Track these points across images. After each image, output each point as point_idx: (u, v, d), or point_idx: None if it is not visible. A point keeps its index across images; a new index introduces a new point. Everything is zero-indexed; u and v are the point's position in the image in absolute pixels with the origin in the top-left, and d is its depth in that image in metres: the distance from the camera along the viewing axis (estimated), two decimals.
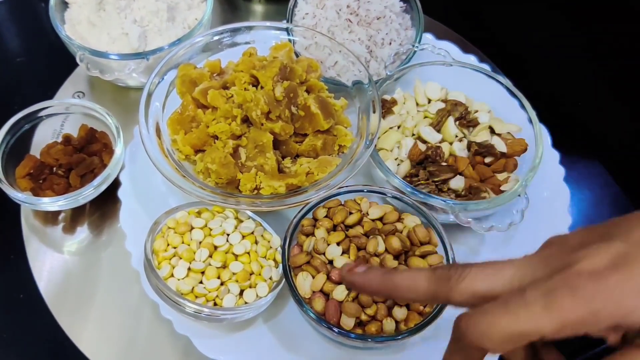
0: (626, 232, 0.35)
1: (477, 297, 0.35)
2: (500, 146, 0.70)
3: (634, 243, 0.34)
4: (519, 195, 0.65)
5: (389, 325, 0.56)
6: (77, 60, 0.73)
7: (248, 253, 0.61)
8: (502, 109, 0.74)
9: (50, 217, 0.72)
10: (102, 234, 0.71)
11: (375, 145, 0.65)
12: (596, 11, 0.94)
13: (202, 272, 0.59)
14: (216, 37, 0.73)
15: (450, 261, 0.60)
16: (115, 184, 0.70)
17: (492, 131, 0.72)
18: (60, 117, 0.75)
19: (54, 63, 0.87)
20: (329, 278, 0.58)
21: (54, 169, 0.71)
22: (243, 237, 0.62)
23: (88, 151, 0.72)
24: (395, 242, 0.60)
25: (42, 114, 0.73)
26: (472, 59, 0.84)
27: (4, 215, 0.72)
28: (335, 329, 0.55)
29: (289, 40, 0.74)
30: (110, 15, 0.77)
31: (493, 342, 0.34)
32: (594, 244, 0.34)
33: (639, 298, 0.32)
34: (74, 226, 0.72)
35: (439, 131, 0.71)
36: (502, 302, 0.34)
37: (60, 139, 0.74)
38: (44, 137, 0.74)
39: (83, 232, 0.71)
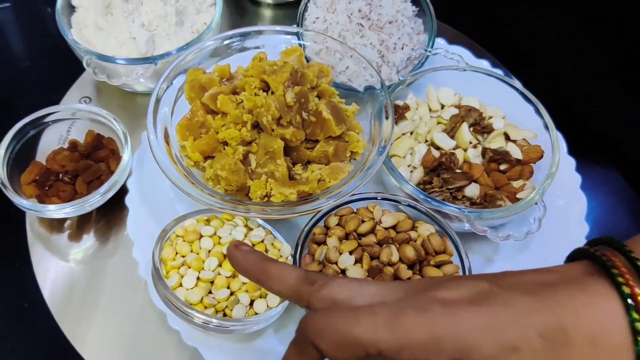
0: (498, 277, 0.35)
1: (336, 306, 0.36)
2: (516, 153, 0.68)
3: (500, 285, 0.34)
4: (536, 203, 0.63)
5: None
6: (84, 65, 0.72)
7: None
8: (516, 115, 0.72)
9: (55, 224, 0.71)
10: (109, 242, 0.70)
11: (388, 152, 0.64)
12: (613, 15, 0.93)
13: (212, 282, 0.58)
14: (225, 42, 0.72)
15: (467, 271, 0.59)
16: (123, 190, 0.69)
17: (507, 137, 0.70)
18: (67, 123, 0.73)
19: (60, 67, 0.86)
20: None
21: (60, 175, 0.70)
22: (253, 245, 0.61)
23: (95, 157, 0.71)
24: (409, 252, 0.58)
25: (48, 119, 0.72)
26: (485, 63, 0.83)
27: (9, 222, 0.71)
28: None
29: (300, 45, 0.73)
30: (117, 19, 0.75)
31: (328, 342, 0.33)
32: (462, 280, 0.35)
33: (486, 337, 0.32)
34: (80, 234, 0.70)
35: (452, 137, 0.70)
36: (350, 308, 0.34)
37: (66, 145, 0.72)
38: (50, 143, 0.73)
39: (89, 239, 0.70)
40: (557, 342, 0.32)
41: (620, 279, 0.33)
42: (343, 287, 0.36)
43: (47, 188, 0.69)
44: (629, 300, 0.32)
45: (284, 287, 0.39)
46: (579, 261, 0.37)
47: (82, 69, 0.74)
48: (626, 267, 0.34)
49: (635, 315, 0.32)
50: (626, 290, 0.32)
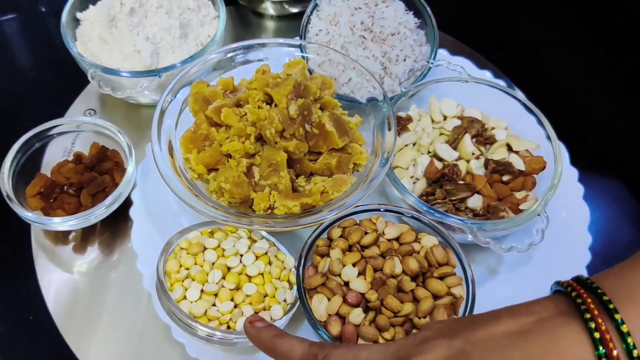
0: (471, 331, 0.39)
1: None
2: (519, 164, 0.68)
3: (473, 343, 0.38)
4: (539, 215, 0.63)
5: None
6: (89, 77, 0.72)
7: (262, 274, 0.60)
8: (519, 126, 0.73)
9: (60, 237, 0.71)
10: (113, 254, 0.70)
11: (391, 163, 0.64)
12: (616, 26, 0.93)
13: (215, 294, 0.58)
14: (229, 55, 0.72)
15: (470, 283, 0.59)
16: (127, 203, 0.69)
17: (510, 148, 0.71)
18: (71, 135, 0.74)
19: (65, 79, 0.87)
20: (345, 301, 0.57)
21: (65, 187, 0.70)
22: (257, 257, 0.61)
23: (99, 170, 0.71)
24: (412, 264, 0.58)
25: (53, 132, 0.72)
26: (487, 74, 0.83)
27: (14, 234, 0.71)
28: None
29: (303, 57, 0.73)
30: (122, 32, 0.76)
31: None
32: (438, 339, 0.39)
33: None
34: (84, 246, 0.71)
35: (455, 149, 0.70)
36: None
37: (71, 158, 0.73)
38: (55, 155, 0.73)
39: (94, 251, 0.70)
40: None
41: (592, 324, 0.36)
42: (340, 358, 0.42)
43: (52, 200, 0.69)
44: (600, 348, 0.35)
45: None
46: (555, 296, 0.40)
47: (87, 81, 0.74)
48: (596, 306, 0.36)
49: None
50: (596, 335, 0.35)
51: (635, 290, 0.37)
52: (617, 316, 0.35)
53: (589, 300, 0.37)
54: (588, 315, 0.36)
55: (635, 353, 0.34)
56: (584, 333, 0.36)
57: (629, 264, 0.40)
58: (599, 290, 0.37)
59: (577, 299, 0.37)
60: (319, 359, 0.42)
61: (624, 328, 0.35)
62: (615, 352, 0.34)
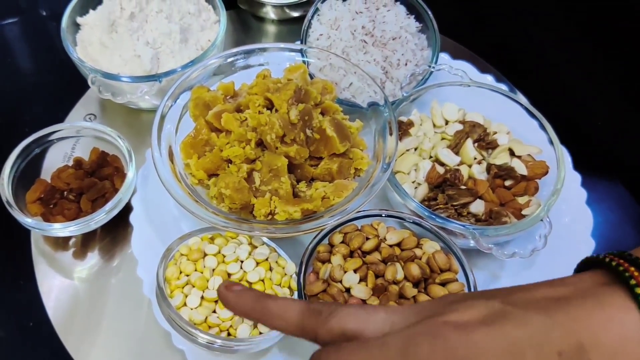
0: (507, 294, 0.34)
1: (346, 337, 0.34)
2: (521, 169, 0.68)
3: (513, 303, 0.33)
4: (541, 220, 0.63)
5: None
6: (89, 82, 0.72)
7: (262, 280, 0.60)
8: (521, 130, 0.72)
9: (60, 242, 0.71)
10: (114, 260, 0.70)
11: (392, 168, 0.64)
12: (617, 29, 0.93)
13: (216, 301, 0.57)
14: (230, 59, 0.72)
15: (472, 289, 0.58)
16: (127, 208, 0.69)
17: (512, 153, 0.70)
18: (71, 141, 0.74)
19: (65, 84, 0.87)
20: None
21: (65, 193, 0.70)
22: (257, 263, 0.61)
23: (99, 175, 0.71)
24: (414, 270, 0.58)
25: (53, 137, 0.72)
26: (489, 78, 0.83)
27: (14, 240, 0.71)
28: None
29: (304, 62, 0.73)
30: (122, 37, 0.76)
31: None
32: (472, 299, 0.34)
33: (502, 358, 0.31)
34: (84, 252, 0.70)
35: (457, 153, 0.70)
36: (362, 341, 0.33)
37: (71, 163, 0.73)
38: (55, 160, 0.73)
39: (94, 257, 0.70)
40: None
41: (639, 289, 0.32)
42: (350, 316, 0.34)
43: (51, 206, 0.69)
44: None
45: (288, 323, 0.37)
46: (590, 271, 0.36)
47: (87, 86, 0.74)
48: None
49: None
50: None
51: None
52: None
53: (632, 268, 0.34)
54: (634, 282, 0.33)
55: None
56: (630, 300, 0.32)
57: None
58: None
59: (619, 267, 0.34)
60: (324, 317, 0.35)
61: None
62: None
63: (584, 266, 0.38)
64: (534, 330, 0.32)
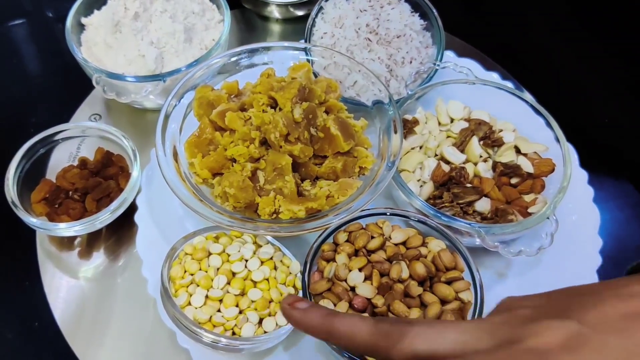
0: (582, 311, 0.33)
1: (417, 358, 0.34)
2: (527, 166, 0.67)
3: (589, 324, 0.32)
4: (548, 218, 0.62)
5: None
6: (94, 82, 0.72)
7: (267, 279, 0.59)
8: (527, 128, 0.72)
9: (65, 242, 0.71)
10: (119, 259, 0.70)
11: (397, 167, 0.63)
12: (623, 26, 0.92)
13: (220, 300, 0.57)
14: (234, 58, 0.72)
15: (478, 287, 0.58)
16: (132, 208, 0.69)
17: (518, 151, 0.70)
18: (77, 140, 0.74)
19: (70, 84, 0.87)
20: (351, 306, 0.56)
21: (70, 193, 0.70)
22: (262, 262, 0.61)
23: (104, 175, 0.71)
24: (419, 268, 0.58)
25: (58, 137, 0.72)
26: (494, 76, 0.82)
27: (19, 241, 0.71)
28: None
29: (308, 60, 0.73)
30: (126, 37, 0.76)
31: None
32: (547, 319, 0.33)
33: None
34: (89, 251, 0.70)
35: (462, 151, 0.69)
36: None
37: (76, 163, 0.73)
38: (60, 160, 0.73)
39: (99, 257, 0.70)
40: None
41: None
42: (421, 338, 0.34)
43: (57, 206, 0.69)
44: None
45: (357, 345, 0.37)
46: None
47: (92, 86, 0.74)
48: None
49: None
50: None
51: None
52: None
53: None
54: None
55: None
56: None
57: None
58: None
59: None
60: (394, 340, 0.35)
61: None
62: None
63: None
64: (616, 357, 0.31)
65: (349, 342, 0.37)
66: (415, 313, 0.55)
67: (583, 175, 0.73)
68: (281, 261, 0.62)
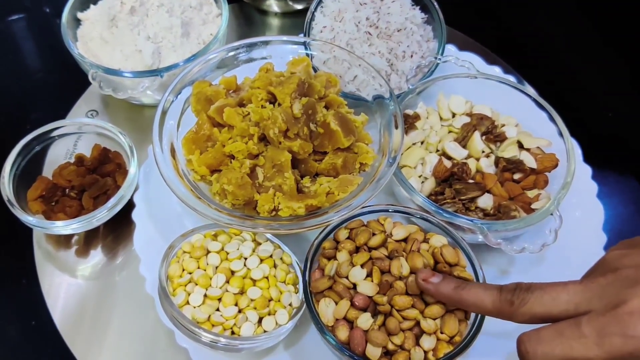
0: None
1: (536, 319, 0.41)
2: (530, 162, 0.67)
3: None
4: (551, 214, 0.61)
5: (417, 355, 0.53)
6: (90, 78, 0.71)
7: (267, 278, 0.59)
8: (529, 122, 0.71)
9: (63, 241, 0.70)
10: (117, 257, 0.69)
11: (398, 163, 0.62)
12: (626, 20, 0.91)
13: (219, 299, 0.56)
14: (232, 53, 0.71)
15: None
16: (129, 205, 0.68)
17: (521, 146, 0.69)
18: (73, 137, 0.73)
19: (67, 80, 0.86)
20: (352, 304, 0.56)
21: (67, 190, 0.69)
22: (261, 260, 0.60)
23: (101, 172, 0.70)
24: (418, 260, 0.56)
25: (54, 134, 0.71)
26: (496, 70, 0.81)
27: (16, 239, 0.70)
28: (359, 357, 0.52)
29: (307, 55, 0.72)
30: (123, 32, 0.75)
31: None
32: None
33: None
34: (87, 249, 0.70)
35: (464, 147, 0.68)
36: (558, 331, 0.39)
37: (73, 160, 0.72)
38: (56, 157, 0.72)
39: (97, 255, 0.69)
40: None
41: None
42: (538, 302, 0.41)
43: (53, 204, 0.68)
44: None
45: (485, 311, 0.45)
46: None
47: (89, 82, 0.73)
48: None
49: None
50: None
51: None
52: None
53: None
54: None
55: None
56: None
57: None
58: None
59: None
60: (516, 305, 0.42)
61: None
62: None
63: None
64: None
65: (477, 309, 0.46)
66: (418, 305, 0.54)
67: (587, 170, 0.72)
68: (281, 259, 0.61)
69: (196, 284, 0.57)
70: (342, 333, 0.54)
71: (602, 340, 0.37)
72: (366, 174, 0.65)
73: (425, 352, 0.53)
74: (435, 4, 0.78)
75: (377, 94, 0.69)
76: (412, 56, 0.75)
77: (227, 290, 0.57)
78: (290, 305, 0.58)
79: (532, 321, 0.42)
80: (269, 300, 0.57)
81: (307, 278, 0.58)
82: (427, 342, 0.53)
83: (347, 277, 0.57)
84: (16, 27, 0.96)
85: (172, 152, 0.64)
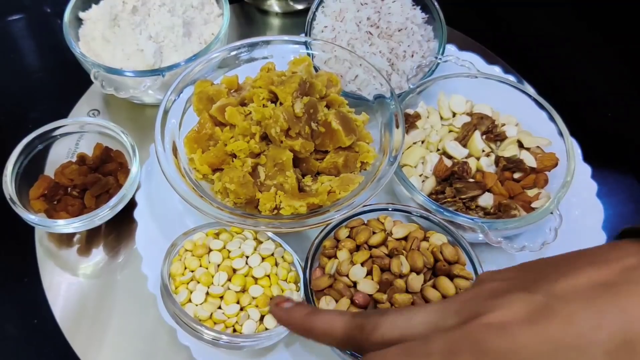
0: (552, 281, 0.33)
1: (388, 344, 0.34)
2: (530, 161, 0.67)
3: (556, 296, 0.32)
4: (551, 213, 0.62)
5: None
6: (92, 77, 0.72)
7: (268, 276, 0.59)
8: (529, 122, 0.71)
9: (64, 239, 0.70)
10: (118, 256, 0.69)
11: (399, 162, 0.63)
12: (626, 20, 0.91)
13: (221, 297, 0.57)
14: (233, 52, 0.71)
15: None
16: (131, 204, 0.68)
17: (521, 145, 0.69)
18: (75, 136, 0.73)
19: (69, 80, 0.86)
20: (353, 302, 0.56)
21: (69, 189, 0.70)
22: (263, 259, 0.60)
23: (103, 171, 0.70)
24: (418, 258, 0.57)
25: (56, 133, 0.71)
26: (496, 69, 0.82)
27: (18, 238, 0.71)
28: (361, 357, 0.52)
29: (308, 54, 0.72)
30: (125, 32, 0.75)
31: None
32: (512, 293, 0.33)
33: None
34: (89, 248, 0.70)
35: (465, 146, 0.69)
36: (405, 349, 0.33)
37: (74, 159, 0.72)
38: (59, 156, 0.72)
39: (98, 254, 0.69)
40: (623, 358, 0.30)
41: None
42: (391, 325, 0.35)
43: (55, 202, 0.69)
44: None
45: (333, 339, 0.38)
46: (636, 242, 0.35)
47: (91, 82, 0.73)
48: None
49: None
50: None
51: None
52: None
53: None
54: None
55: None
56: None
57: None
58: None
59: None
60: (368, 331, 0.35)
61: None
62: None
63: (630, 233, 0.36)
64: (580, 330, 0.31)
65: (326, 337, 0.38)
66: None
67: (586, 169, 0.72)
68: (282, 257, 0.62)
69: (198, 282, 0.57)
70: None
71: (451, 357, 0.31)
72: (367, 173, 0.65)
73: None
74: (436, 4, 0.79)
75: (378, 93, 0.69)
76: (412, 56, 0.76)
77: (228, 288, 0.57)
78: None
79: (385, 347, 0.35)
80: (271, 298, 0.57)
81: (307, 276, 0.58)
82: None
83: (347, 276, 0.58)
84: (16, 26, 0.96)
85: (174, 151, 0.64)
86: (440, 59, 0.75)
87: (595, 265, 0.33)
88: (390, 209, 0.64)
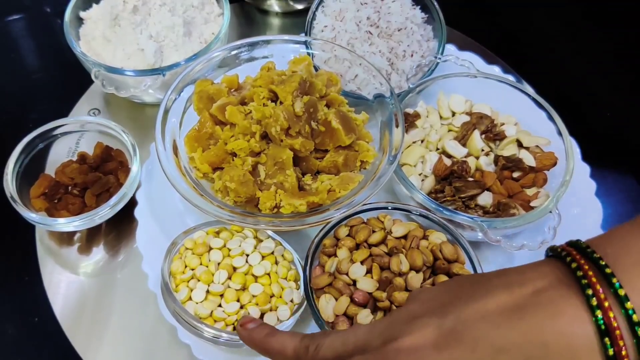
0: (462, 307, 0.35)
1: None
2: (529, 160, 0.67)
3: (464, 322, 0.34)
4: (550, 212, 0.62)
5: None
6: (92, 77, 0.72)
7: (268, 274, 0.59)
8: (528, 121, 0.71)
9: (65, 238, 0.70)
10: (119, 255, 0.70)
11: (399, 161, 0.63)
12: (626, 20, 0.91)
13: (221, 295, 0.57)
14: (233, 52, 0.72)
15: None
16: (132, 203, 0.69)
17: (520, 144, 0.69)
18: (76, 135, 0.73)
19: (69, 79, 0.86)
20: (352, 300, 0.56)
21: (69, 188, 0.70)
22: (263, 257, 0.60)
23: (104, 170, 0.71)
24: (417, 257, 0.57)
25: (57, 132, 0.72)
26: (496, 69, 0.82)
27: (18, 236, 0.71)
28: None
29: (308, 54, 0.72)
30: (125, 31, 0.75)
31: None
32: (425, 317, 0.36)
33: None
34: (89, 247, 0.70)
35: (464, 145, 0.69)
36: None
37: (75, 158, 0.72)
38: (59, 155, 0.73)
39: (99, 252, 0.70)
40: None
41: (589, 291, 0.32)
42: (329, 346, 0.39)
43: (56, 201, 0.69)
44: (600, 322, 0.31)
45: (285, 359, 0.42)
46: (553, 262, 0.36)
47: (91, 81, 0.74)
48: (596, 276, 0.33)
49: (606, 341, 0.31)
50: (598, 314, 0.32)
51: None
52: (621, 292, 0.32)
53: (587, 267, 0.33)
54: (589, 291, 0.32)
55: None
56: (584, 309, 0.32)
57: (633, 227, 0.36)
58: (600, 260, 0.33)
59: (577, 270, 0.33)
60: (311, 352, 0.40)
61: (629, 305, 0.31)
62: (618, 332, 0.31)
63: (552, 253, 0.38)
64: (481, 356, 0.33)
65: (281, 357, 0.42)
66: None
67: (585, 169, 0.73)
68: (282, 256, 0.62)
69: (198, 280, 0.58)
70: (342, 329, 0.55)
71: None
72: (367, 171, 0.65)
73: None
74: (436, 3, 0.79)
75: (377, 92, 0.69)
76: (412, 55, 0.76)
77: (229, 287, 0.57)
78: (291, 301, 0.58)
79: None
80: (271, 297, 0.58)
81: (307, 274, 0.58)
82: None
83: (347, 274, 0.58)
84: (16, 26, 0.96)
85: (175, 149, 0.64)
86: (440, 58, 0.75)
87: (509, 289, 0.35)
88: (389, 208, 0.64)
